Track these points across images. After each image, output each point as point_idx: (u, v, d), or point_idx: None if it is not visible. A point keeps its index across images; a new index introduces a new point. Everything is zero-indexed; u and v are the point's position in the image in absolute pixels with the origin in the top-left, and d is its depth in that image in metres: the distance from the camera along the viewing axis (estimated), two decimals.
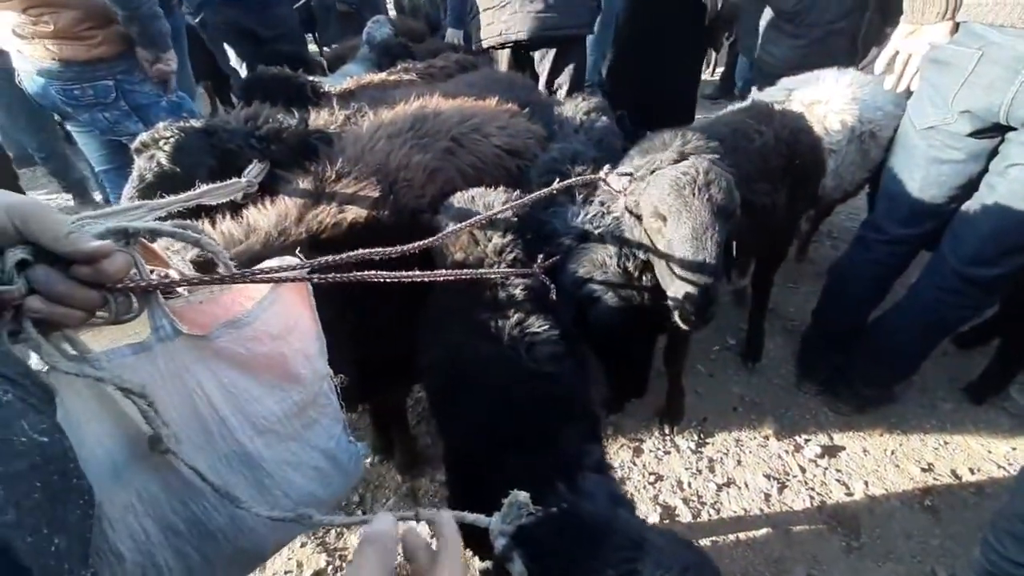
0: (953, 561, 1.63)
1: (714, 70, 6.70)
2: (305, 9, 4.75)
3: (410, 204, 1.41)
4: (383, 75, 2.65)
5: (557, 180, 1.66)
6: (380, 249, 0.92)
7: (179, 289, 0.67)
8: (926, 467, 1.91)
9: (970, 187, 1.57)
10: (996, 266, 1.54)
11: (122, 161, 2.35)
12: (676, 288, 1.20)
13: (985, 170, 1.53)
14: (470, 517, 0.65)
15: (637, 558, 0.58)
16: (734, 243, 1.32)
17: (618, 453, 1.97)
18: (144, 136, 1.40)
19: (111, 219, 0.59)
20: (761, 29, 3.05)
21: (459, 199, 1.38)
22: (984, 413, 2.12)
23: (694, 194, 1.19)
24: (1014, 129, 1.41)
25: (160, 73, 2.21)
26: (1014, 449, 1.98)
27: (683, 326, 1.22)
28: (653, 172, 1.27)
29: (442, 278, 1.04)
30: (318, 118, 1.67)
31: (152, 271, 0.65)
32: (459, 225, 1.11)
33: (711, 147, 1.33)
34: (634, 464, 1.94)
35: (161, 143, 1.35)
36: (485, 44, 2.88)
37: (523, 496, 0.65)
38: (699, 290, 1.17)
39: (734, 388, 2.24)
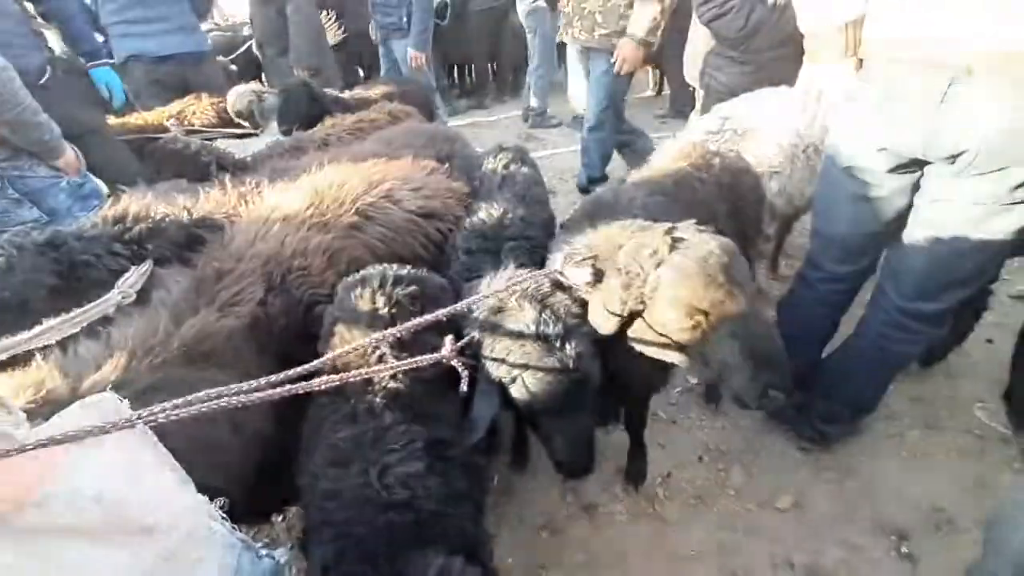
0: None
1: (660, 90, 6.77)
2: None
3: (305, 297, 1.27)
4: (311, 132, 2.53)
5: (483, 243, 1.55)
6: (224, 388, 0.78)
7: None
8: (900, 506, 1.81)
9: (899, 220, 1.51)
10: (937, 300, 1.48)
11: None
12: (752, 378, 1.09)
13: (911, 203, 1.47)
14: None
15: None
16: None
17: (578, 525, 1.82)
18: None
19: None
20: (702, 55, 3.04)
21: (347, 285, 1.23)
22: (952, 439, 2.04)
23: (731, 280, 1.06)
24: (931, 163, 1.35)
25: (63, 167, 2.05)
26: (985, 475, 1.90)
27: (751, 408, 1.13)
28: (658, 267, 1.09)
29: (319, 385, 0.91)
30: (208, 202, 1.52)
31: None
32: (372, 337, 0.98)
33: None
34: (596, 536, 1.79)
35: None
36: None
37: None
38: (780, 370, 1.09)
39: (698, 434, 2.12)
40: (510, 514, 1.85)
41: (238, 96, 2.89)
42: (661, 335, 1.10)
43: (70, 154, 2.10)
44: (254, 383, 0.81)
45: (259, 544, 1.00)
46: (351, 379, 0.95)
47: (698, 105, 3.23)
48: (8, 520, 0.59)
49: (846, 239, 1.62)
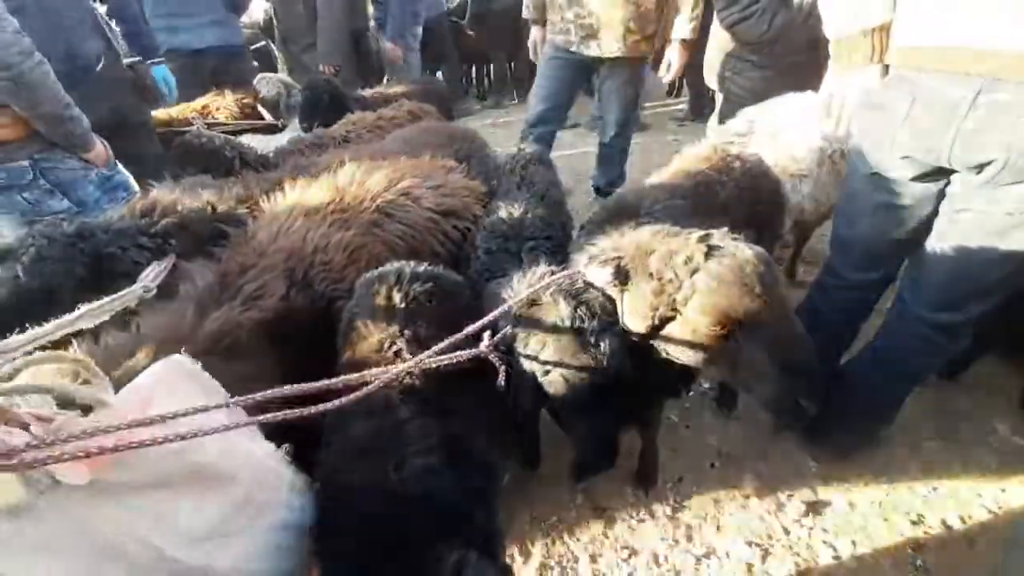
0: None
1: (679, 92, 6.73)
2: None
3: (327, 291, 1.29)
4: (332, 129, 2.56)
5: (503, 244, 1.55)
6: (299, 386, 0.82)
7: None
8: (916, 519, 1.78)
9: (922, 229, 1.49)
10: (960, 311, 1.46)
11: None
12: (784, 389, 1.09)
13: (935, 212, 1.45)
14: None
15: None
16: None
17: (589, 525, 1.83)
18: (3, 243, 1.27)
19: None
20: (719, 60, 3.02)
21: (365, 282, 1.24)
22: (971, 451, 2.01)
23: (766, 290, 1.05)
24: (957, 171, 1.33)
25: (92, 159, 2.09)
26: (1004, 491, 1.86)
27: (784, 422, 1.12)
28: (693, 274, 1.08)
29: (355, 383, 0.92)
30: (229, 197, 1.54)
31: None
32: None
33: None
34: (606, 537, 1.79)
35: (20, 252, 1.22)
36: None
37: None
38: (811, 381, 1.09)
39: (710, 440, 2.11)
40: (522, 512, 1.86)
41: (268, 83, 2.93)
42: (692, 342, 1.10)
43: (99, 147, 2.15)
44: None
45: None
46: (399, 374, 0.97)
47: (716, 109, 3.21)
48: (104, 479, 0.63)
49: (867, 246, 1.60)
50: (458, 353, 1.08)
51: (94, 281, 1.30)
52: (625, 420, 1.55)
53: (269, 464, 0.88)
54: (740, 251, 1.06)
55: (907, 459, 1.98)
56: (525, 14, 3.39)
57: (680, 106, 6.26)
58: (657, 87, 6.74)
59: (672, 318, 1.09)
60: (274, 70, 4.85)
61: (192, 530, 0.72)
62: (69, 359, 0.72)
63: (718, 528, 1.79)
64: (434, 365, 1.05)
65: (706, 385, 2.33)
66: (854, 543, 1.72)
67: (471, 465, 0.98)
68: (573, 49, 3.02)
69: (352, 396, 0.86)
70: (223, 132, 2.54)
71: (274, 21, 4.92)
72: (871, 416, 1.87)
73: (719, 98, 3.15)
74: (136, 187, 2.27)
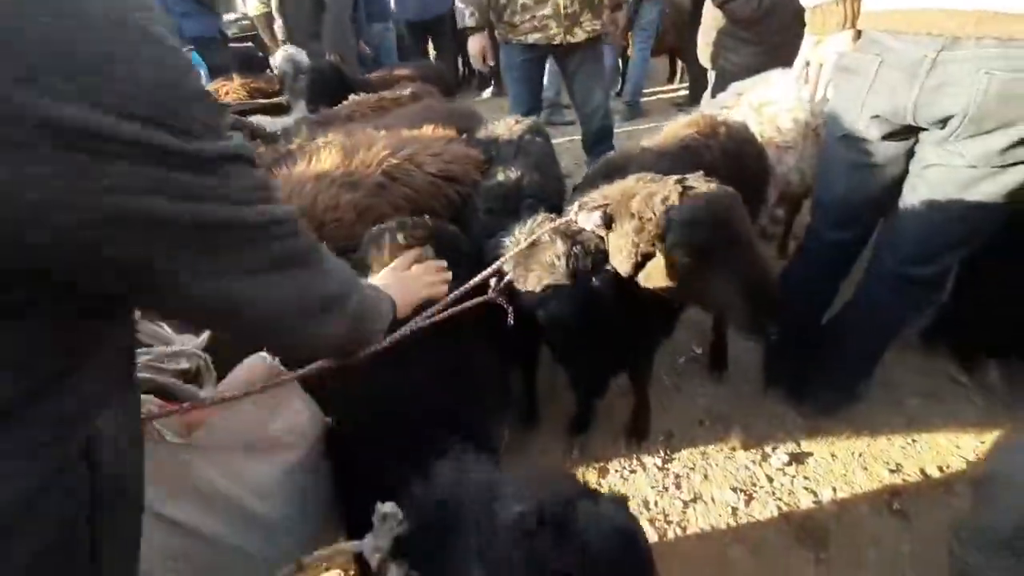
0: (924, 567, 1.60)
1: (682, 77, 6.77)
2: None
3: (340, 246, 1.39)
4: (336, 109, 2.65)
5: (502, 204, 1.65)
6: None
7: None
8: (894, 468, 1.88)
9: (895, 187, 1.57)
10: (932, 264, 1.54)
11: None
12: (749, 313, 1.19)
13: (907, 170, 1.53)
14: (345, 546, 0.67)
15: (494, 505, 0.63)
16: None
17: (584, 475, 1.93)
18: None
19: None
20: (712, 39, 3.09)
21: (371, 235, 1.35)
22: (951, 406, 2.10)
23: (732, 223, 1.16)
24: (925, 129, 1.41)
25: None
26: (982, 443, 1.95)
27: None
28: (668, 211, 1.18)
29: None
30: None
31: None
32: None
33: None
34: (600, 486, 1.90)
35: None
36: None
37: (389, 508, 0.66)
38: (773, 304, 1.19)
39: (700, 400, 2.21)
40: (520, 467, 1.97)
41: (284, 57, 3.04)
42: (670, 274, 1.20)
43: None
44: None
45: None
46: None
47: (710, 87, 3.28)
48: (198, 438, 0.81)
49: (843, 206, 1.68)
50: (474, 300, 1.17)
51: None
52: (617, 360, 1.65)
53: (316, 433, 1.03)
54: (710, 189, 1.16)
55: (889, 415, 2.07)
56: (467, 22, 2.85)
57: (681, 92, 6.30)
58: (658, 73, 6.82)
59: (652, 254, 1.19)
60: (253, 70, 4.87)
61: (261, 486, 0.88)
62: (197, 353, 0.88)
63: (705, 476, 1.90)
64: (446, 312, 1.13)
65: (698, 350, 2.43)
66: (834, 489, 1.82)
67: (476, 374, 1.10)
68: (557, 43, 2.83)
69: (383, 343, 0.93)
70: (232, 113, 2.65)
71: (275, 12, 4.98)
72: (853, 370, 1.96)
73: (712, 76, 3.22)
74: None
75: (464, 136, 1.94)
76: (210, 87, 3.07)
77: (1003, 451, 1.37)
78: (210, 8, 3.78)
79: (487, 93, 6.93)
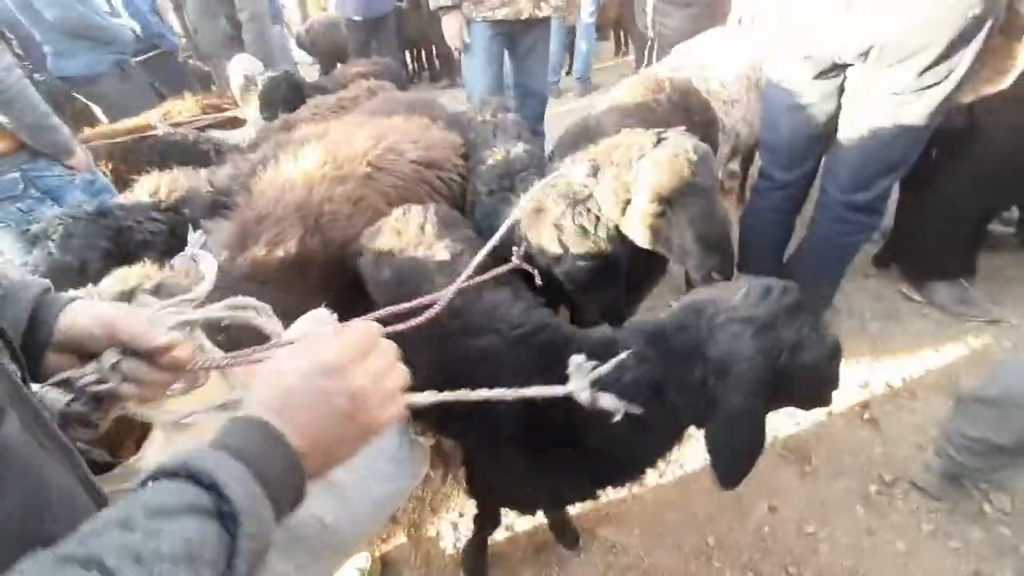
0: (892, 464, 1.79)
1: (626, 49, 6.92)
2: None
3: (338, 236, 1.46)
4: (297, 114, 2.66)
5: (500, 183, 1.71)
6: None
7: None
8: (863, 384, 2.08)
9: (831, 124, 1.72)
10: (870, 190, 1.71)
11: None
12: (699, 261, 1.30)
13: (840, 106, 1.68)
14: (546, 390, 0.69)
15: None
16: None
17: None
18: (35, 228, 1.41)
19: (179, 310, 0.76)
20: (648, 5, 3.22)
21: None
22: (908, 325, 2.32)
23: (694, 174, 1.25)
24: (851, 65, 1.56)
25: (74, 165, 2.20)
26: (938, 351, 2.17)
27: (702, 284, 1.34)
28: (640, 158, 1.29)
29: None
30: (223, 175, 1.69)
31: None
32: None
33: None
34: None
35: (51, 233, 1.36)
36: None
37: (580, 357, 0.72)
38: (723, 257, 1.29)
39: None
40: None
41: (243, 64, 3.00)
42: (641, 221, 1.32)
43: (80, 153, 2.24)
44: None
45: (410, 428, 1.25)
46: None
47: (654, 53, 3.41)
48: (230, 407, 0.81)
49: (788, 146, 1.83)
50: (499, 268, 1.22)
51: (119, 253, 1.44)
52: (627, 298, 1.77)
53: None
54: (682, 142, 1.28)
55: (855, 338, 2.27)
56: (440, 2, 2.67)
57: (629, 62, 6.44)
58: (605, 49, 6.95)
59: (630, 201, 1.32)
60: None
61: None
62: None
63: None
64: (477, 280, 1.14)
65: (674, 305, 2.58)
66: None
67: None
68: (524, 17, 2.69)
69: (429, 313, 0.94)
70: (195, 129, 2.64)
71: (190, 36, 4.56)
72: (815, 301, 2.13)
73: (652, 43, 3.35)
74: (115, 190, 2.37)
75: (437, 123, 2.00)
76: (161, 109, 2.99)
77: (1004, 373, 1.47)
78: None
79: (440, 86, 6.94)
